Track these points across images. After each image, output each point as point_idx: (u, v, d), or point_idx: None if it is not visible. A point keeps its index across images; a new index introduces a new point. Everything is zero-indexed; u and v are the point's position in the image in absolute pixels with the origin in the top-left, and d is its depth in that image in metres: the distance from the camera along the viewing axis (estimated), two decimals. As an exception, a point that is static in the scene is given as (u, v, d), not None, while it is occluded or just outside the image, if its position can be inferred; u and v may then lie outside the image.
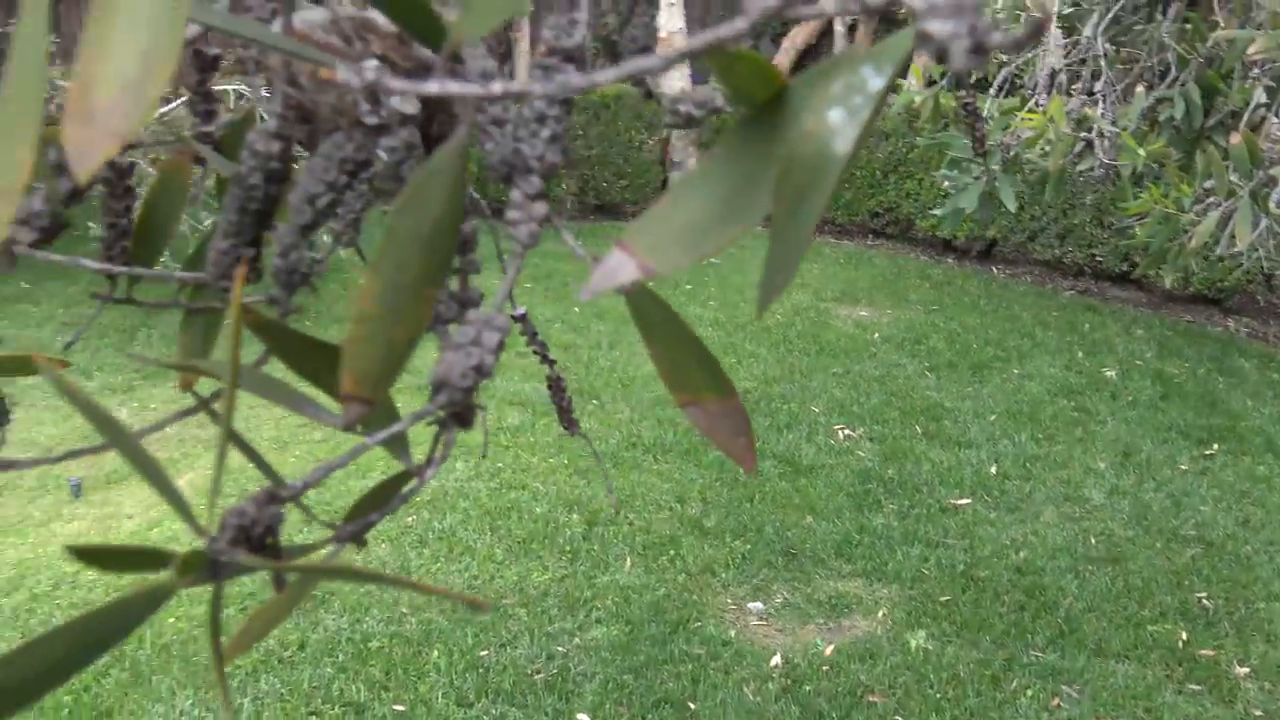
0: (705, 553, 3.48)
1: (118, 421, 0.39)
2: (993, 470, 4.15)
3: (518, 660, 2.87)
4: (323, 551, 0.44)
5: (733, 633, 3.09)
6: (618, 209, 8.05)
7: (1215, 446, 4.43)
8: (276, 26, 0.42)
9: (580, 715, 2.68)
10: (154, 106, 0.27)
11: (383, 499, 0.47)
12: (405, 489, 0.46)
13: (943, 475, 4.09)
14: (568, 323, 5.69)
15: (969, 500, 3.91)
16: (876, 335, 5.70)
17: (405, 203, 0.35)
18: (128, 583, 3.19)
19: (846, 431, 4.50)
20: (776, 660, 2.94)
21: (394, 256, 0.35)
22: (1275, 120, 1.64)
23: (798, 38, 9.05)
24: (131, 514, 3.63)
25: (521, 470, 3.95)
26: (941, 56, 0.21)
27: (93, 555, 0.35)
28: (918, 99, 1.90)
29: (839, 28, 8.82)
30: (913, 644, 3.03)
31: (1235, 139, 1.39)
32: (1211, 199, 1.51)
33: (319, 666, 2.80)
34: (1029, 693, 2.84)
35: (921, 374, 5.19)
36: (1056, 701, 2.82)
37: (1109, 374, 5.22)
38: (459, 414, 0.40)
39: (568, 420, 0.76)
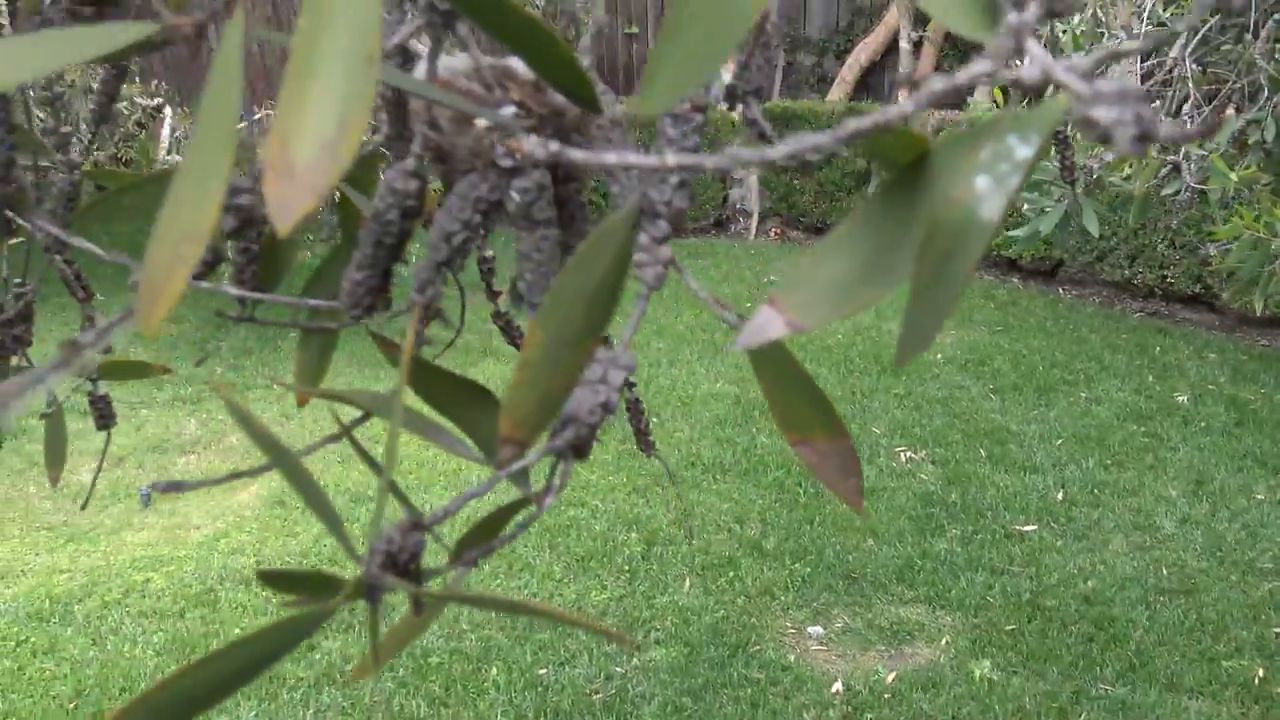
0: (765, 575, 3.45)
1: (281, 443, 0.40)
2: (1059, 496, 4.06)
3: (576, 680, 2.87)
4: (450, 574, 0.45)
5: (792, 657, 3.06)
6: (679, 227, 8.06)
7: (1293, 476, 4.29)
8: (421, 71, 0.43)
9: (639, 738, 2.67)
10: (347, 164, 0.29)
11: (498, 526, 0.48)
12: (522, 517, 0.47)
13: (1007, 500, 4.02)
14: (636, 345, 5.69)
15: (1035, 527, 3.83)
16: (939, 356, 5.62)
17: (576, 263, 0.36)
18: (195, 593, 3.26)
19: (909, 454, 4.44)
20: (838, 687, 2.90)
21: (559, 312, 0.37)
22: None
23: (862, 55, 9.00)
24: (199, 524, 3.70)
25: (581, 487, 3.96)
26: (1105, 139, 0.20)
27: (275, 579, 0.38)
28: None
29: (904, 44, 8.75)
30: (977, 674, 2.97)
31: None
32: (1303, 227, 1.47)
33: (379, 681, 2.83)
34: (1098, 728, 2.77)
35: (985, 396, 5.10)
36: (1127, 737, 2.75)
37: (1180, 399, 5.09)
38: (578, 446, 0.41)
39: (645, 443, 0.76)
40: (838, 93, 9.03)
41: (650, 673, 2.95)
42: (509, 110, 0.36)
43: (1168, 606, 3.34)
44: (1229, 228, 1.59)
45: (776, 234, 8.42)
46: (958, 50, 8.64)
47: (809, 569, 3.50)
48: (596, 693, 2.83)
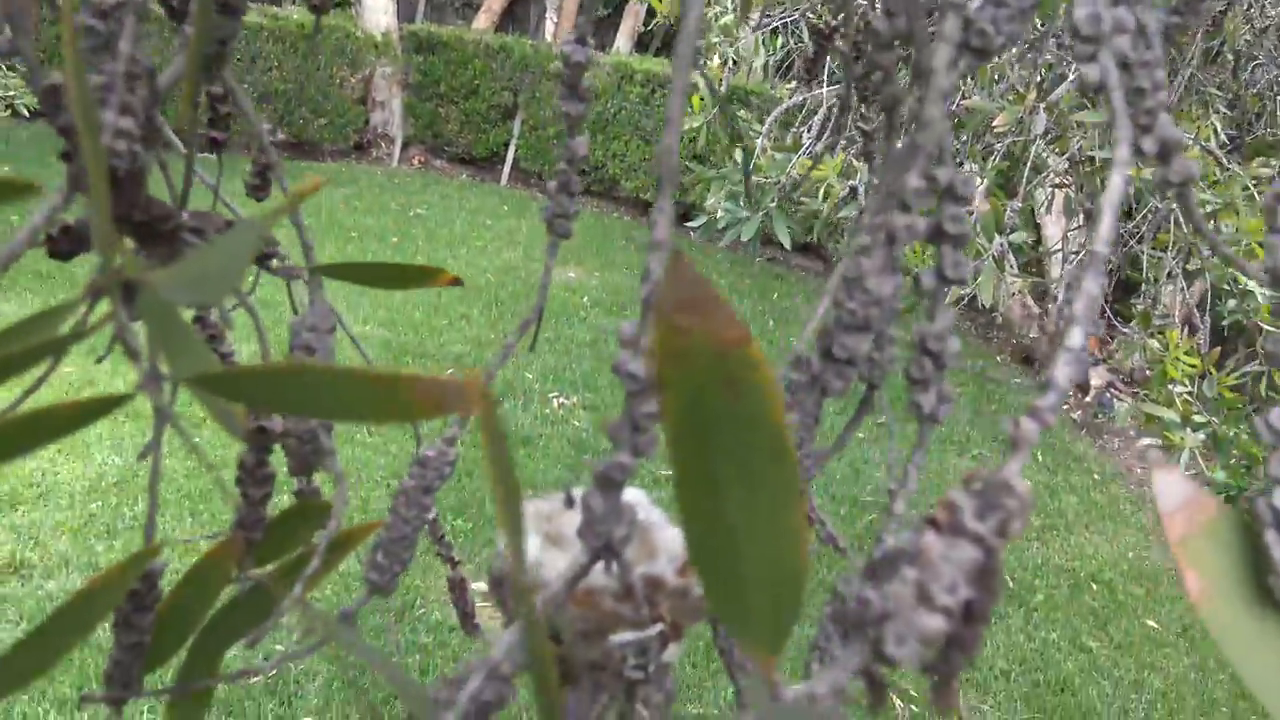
0: (428, 534, 3.41)
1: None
2: (698, 439, 4.37)
3: (232, 665, 2.69)
4: None
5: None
6: (316, 149, 7.59)
7: (883, 416, 4.92)
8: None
9: (305, 719, 2.56)
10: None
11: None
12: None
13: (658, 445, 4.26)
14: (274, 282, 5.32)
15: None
16: (586, 299, 5.80)
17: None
18: None
19: (561, 400, 4.56)
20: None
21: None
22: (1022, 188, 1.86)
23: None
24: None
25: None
26: None
27: None
28: (697, 123, 1.94)
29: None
30: (632, 619, 3.15)
31: (984, 206, 1.55)
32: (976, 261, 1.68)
33: None
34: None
35: (629, 340, 5.34)
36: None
37: (796, 343, 5.63)
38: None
39: (470, 625, 0.74)
40: (484, 21, 8.86)
41: (316, 659, 2.82)
42: (656, 629, 0.31)
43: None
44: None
45: (420, 161, 8.19)
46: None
47: (470, 524, 3.51)
48: (254, 676, 2.67)
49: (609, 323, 5.49)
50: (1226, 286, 2.29)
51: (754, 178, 1.79)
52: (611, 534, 0.28)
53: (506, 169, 8.03)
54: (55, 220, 0.41)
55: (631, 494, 0.46)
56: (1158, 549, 4.28)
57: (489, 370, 0.53)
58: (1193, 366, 1.72)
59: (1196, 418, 1.66)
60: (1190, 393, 1.69)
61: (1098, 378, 5.77)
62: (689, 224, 2.16)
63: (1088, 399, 5.67)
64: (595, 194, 7.85)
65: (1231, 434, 1.66)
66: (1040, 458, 4.80)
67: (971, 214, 1.88)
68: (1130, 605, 3.76)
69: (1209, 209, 1.78)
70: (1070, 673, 3.27)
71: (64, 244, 0.43)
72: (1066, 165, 1.85)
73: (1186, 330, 2.35)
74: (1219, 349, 1.95)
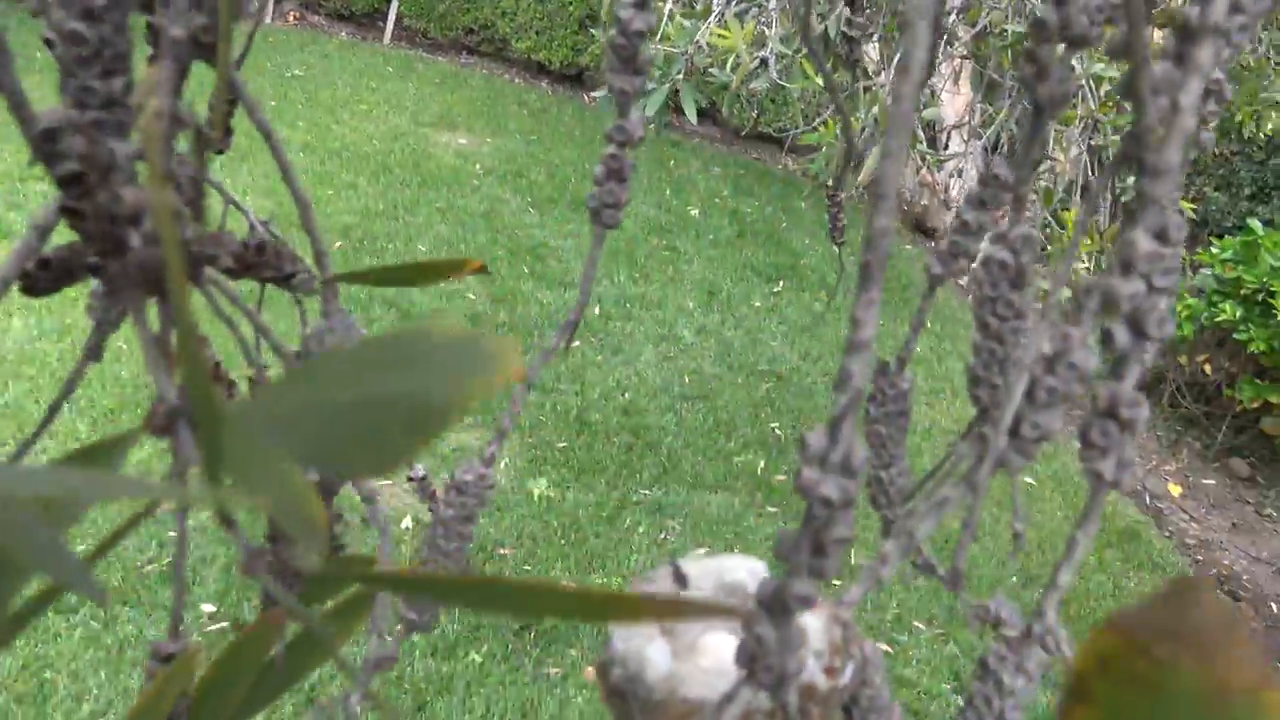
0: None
1: None
2: (596, 311, 4.35)
3: (125, 552, 2.62)
4: None
5: (357, 499, 3.03)
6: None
7: (781, 284, 4.97)
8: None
9: (205, 605, 2.52)
10: None
11: None
12: None
13: (551, 317, 4.22)
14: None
15: (578, 343, 4.08)
16: (478, 166, 5.62)
17: None
18: None
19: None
20: (407, 523, 2.95)
21: None
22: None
23: None
24: None
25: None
26: None
27: None
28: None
29: None
30: (536, 493, 3.17)
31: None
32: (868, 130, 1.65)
33: None
34: (640, 529, 3.11)
35: (525, 209, 5.23)
36: (664, 535, 3.12)
37: (693, 213, 5.60)
38: None
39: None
40: None
41: (207, 531, 2.77)
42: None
43: (691, 411, 3.78)
44: (815, 135, 1.74)
45: (295, 17, 7.70)
46: None
47: (367, 402, 3.44)
48: (150, 563, 2.61)
49: (503, 191, 5.35)
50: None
51: (659, 46, 1.72)
52: (785, 669, 0.24)
53: (389, 27, 7.62)
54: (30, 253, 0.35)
55: (754, 564, 0.42)
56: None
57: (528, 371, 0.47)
58: (1090, 244, 1.76)
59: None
60: (1088, 269, 1.73)
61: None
62: (592, 94, 2.06)
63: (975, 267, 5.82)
64: (484, 55, 7.53)
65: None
66: (930, 324, 4.93)
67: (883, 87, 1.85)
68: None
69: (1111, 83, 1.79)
70: (955, 531, 3.43)
71: (42, 281, 0.37)
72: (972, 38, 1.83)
73: (1083, 203, 2.40)
74: (1116, 224, 1.99)
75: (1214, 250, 4.14)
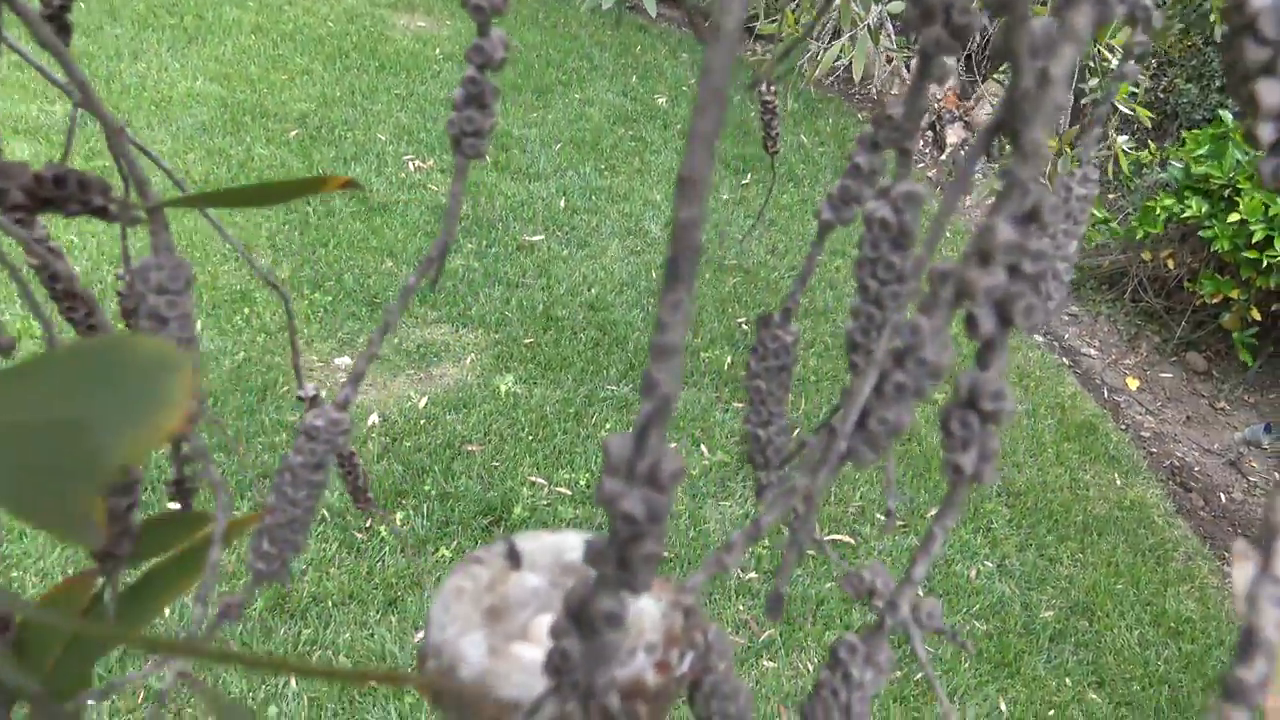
0: (283, 308, 3.28)
1: None
2: (562, 204, 4.27)
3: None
4: None
5: (323, 393, 3.00)
6: None
7: (749, 176, 4.90)
8: None
9: (171, 506, 2.51)
10: None
11: None
12: None
13: (516, 210, 4.15)
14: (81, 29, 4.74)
15: (542, 236, 4.02)
16: (438, 51, 5.43)
17: None
18: None
19: (417, 163, 4.35)
20: (373, 419, 2.93)
21: None
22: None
23: None
24: None
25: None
26: None
27: None
28: None
29: None
30: (502, 389, 3.16)
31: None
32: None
33: None
34: (608, 425, 3.12)
35: (487, 97, 5.07)
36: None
37: (660, 101, 5.47)
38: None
39: (363, 499, 0.67)
40: None
41: (170, 430, 2.73)
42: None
43: (657, 307, 3.75)
44: (773, 25, 1.67)
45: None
46: None
47: (330, 297, 3.39)
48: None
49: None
50: (1090, 64, 2.29)
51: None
52: (592, 685, 0.22)
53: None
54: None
55: (572, 539, 0.39)
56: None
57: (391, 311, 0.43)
58: (1051, 144, 1.73)
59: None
60: (1045, 172, 1.70)
61: (954, 135, 5.85)
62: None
63: (944, 156, 5.77)
64: (443, -69, 7.21)
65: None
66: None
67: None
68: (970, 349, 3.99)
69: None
70: (916, 423, 3.48)
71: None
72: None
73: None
74: (1076, 127, 1.96)
75: (1185, 145, 4.12)
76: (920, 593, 0.36)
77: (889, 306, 0.35)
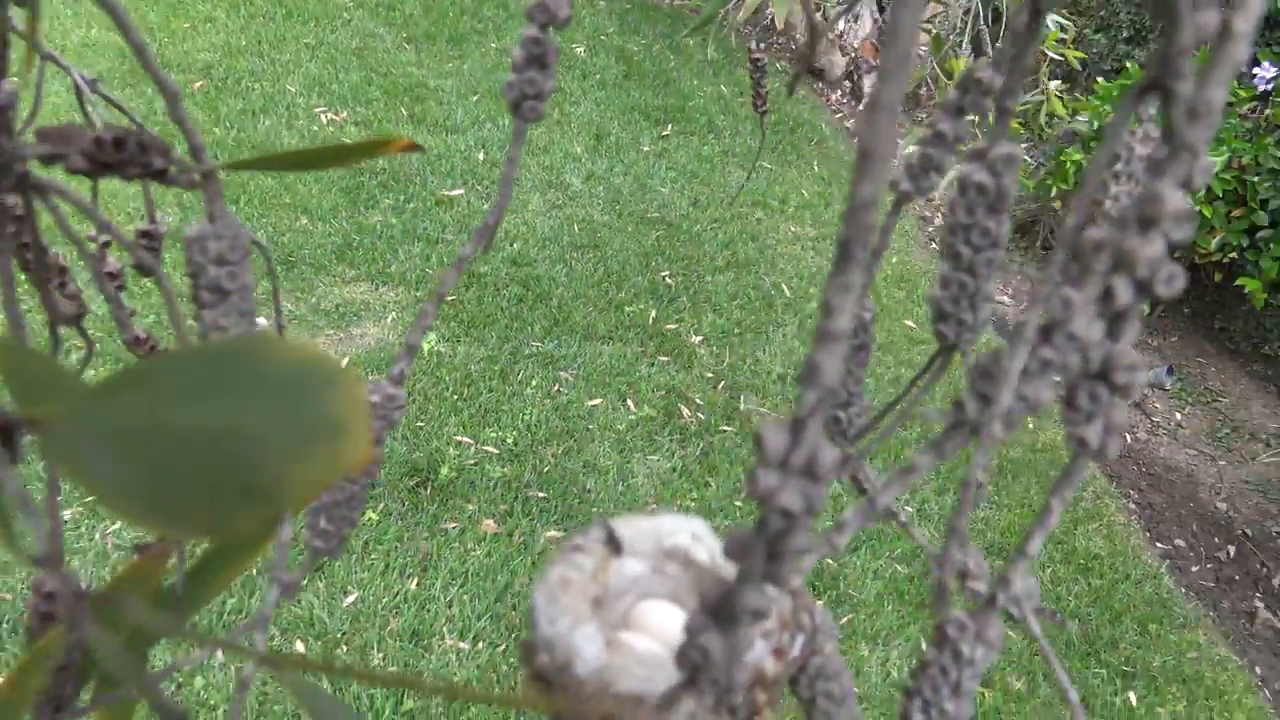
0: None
1: None
2: (481, 157, 4.20)
3: None
4: None
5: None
6: None
7: (670, 128, 4.87)
8: None
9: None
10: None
11: None
12: None
13: (433, 164, 4.06)
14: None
15: (462, 191, 3.95)
16: (348, -2, 5.25)
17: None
18: None
19: (329, 115, 4.22)
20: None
21: None
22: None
23: None
24: None
25: None
26: None
27: None
28: None
29: None
30: (425, 348, 3.11)
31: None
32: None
33: None
34: (534, 382, 3.11)
35: (400, 47, 4.94)
36: (557, 387, 3.12)
37: (579, 50, 5.39)
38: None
39: None
40: None
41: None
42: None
43: (580, 261, 3.73)
44: None
45: None
46: None
47: (242, 256, 3.28)
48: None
49: (375, 25, 5.03)
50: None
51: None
52: (732, 681, 0.21)
53: None
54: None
55: (696, 525, 0.38)
56: (916, 251, 4.59)
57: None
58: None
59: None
60: (974, 123, 1.72)
61: (871, 85, 5.88)
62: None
63: (861, 107, 5.80)
64: None
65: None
66: (817, 169, 4.94)
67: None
68: (892, 307, 4.06)
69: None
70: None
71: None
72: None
73: (973, 54, 2.38)
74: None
75: (1097, 95, 4.21)
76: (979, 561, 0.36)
77: (982, 275, 0.34)
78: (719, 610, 0.22)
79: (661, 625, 0.34)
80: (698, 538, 0.37)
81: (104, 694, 0.35)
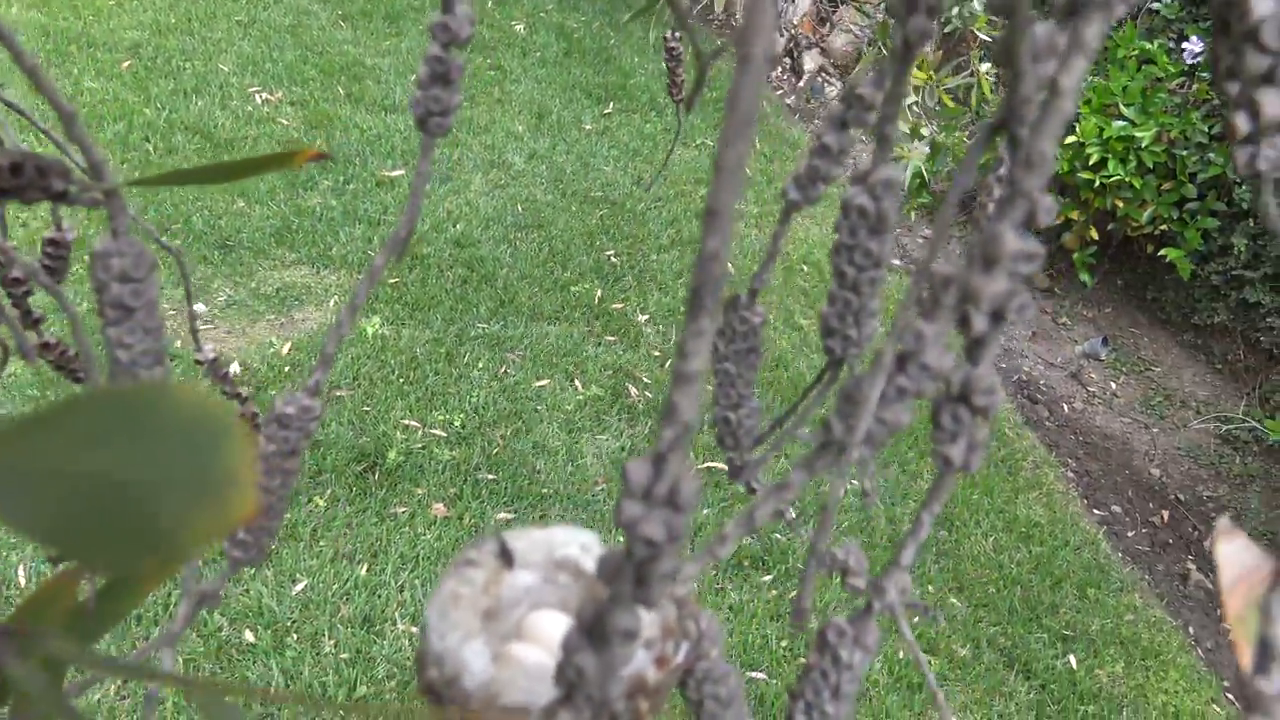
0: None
1: None
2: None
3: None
4: None
5: (178, 343, 2.87)
6: None
7: (612, 105, 4.85)
8: None
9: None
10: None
11: None
12: None
13: (373, 144, 4.00)
14: None
15: (402, 171, 3.90)
16: (280, -26, 5.14)
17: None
18: None
19: (264, 95, 4.13)
20: (235, 369, 2.82)
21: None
22: None
23: None
24: None
25: None
26: None
27: None
28: None
29: None
30: (369, 331, 3.08)
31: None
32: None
33: None
34: (480, 364, 3.09)
35: (335, 24, 4.85)
36: (504, 369, 3.11)
37: (518, 28, 5.34)
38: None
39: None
40: None
41: (22, 400, 2.57)
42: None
43: (525, 241, 3.71)
44: None
45: None
46: None
47: (179, 240, 3.22)
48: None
49: (309, 3, 4.93)
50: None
51: None
52: (606, 697, 0.22)
53: None
54: None
55: (585, 537, 0.38)
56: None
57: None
58: (920, 76, 1.77)
59: (923, 130, 1.73)
60: (916, 103, 1.74)
61: (810, 61, 5.91)
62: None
63: (801, 84, 5.83)
64: None
65: (949, 142, 1.74)
66: (758, 145, 4.95)
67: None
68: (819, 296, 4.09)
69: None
70: (784, 349, 3.57)
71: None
72: None
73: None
74: (940, 52, 2.01)
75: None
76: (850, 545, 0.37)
77: (865, 293, 0.35)
78: (593, 630, 0.22)
79: (552, 634, 0.34)
80: (587, 549, 0.38)
81: (21, 713, 0.35)
